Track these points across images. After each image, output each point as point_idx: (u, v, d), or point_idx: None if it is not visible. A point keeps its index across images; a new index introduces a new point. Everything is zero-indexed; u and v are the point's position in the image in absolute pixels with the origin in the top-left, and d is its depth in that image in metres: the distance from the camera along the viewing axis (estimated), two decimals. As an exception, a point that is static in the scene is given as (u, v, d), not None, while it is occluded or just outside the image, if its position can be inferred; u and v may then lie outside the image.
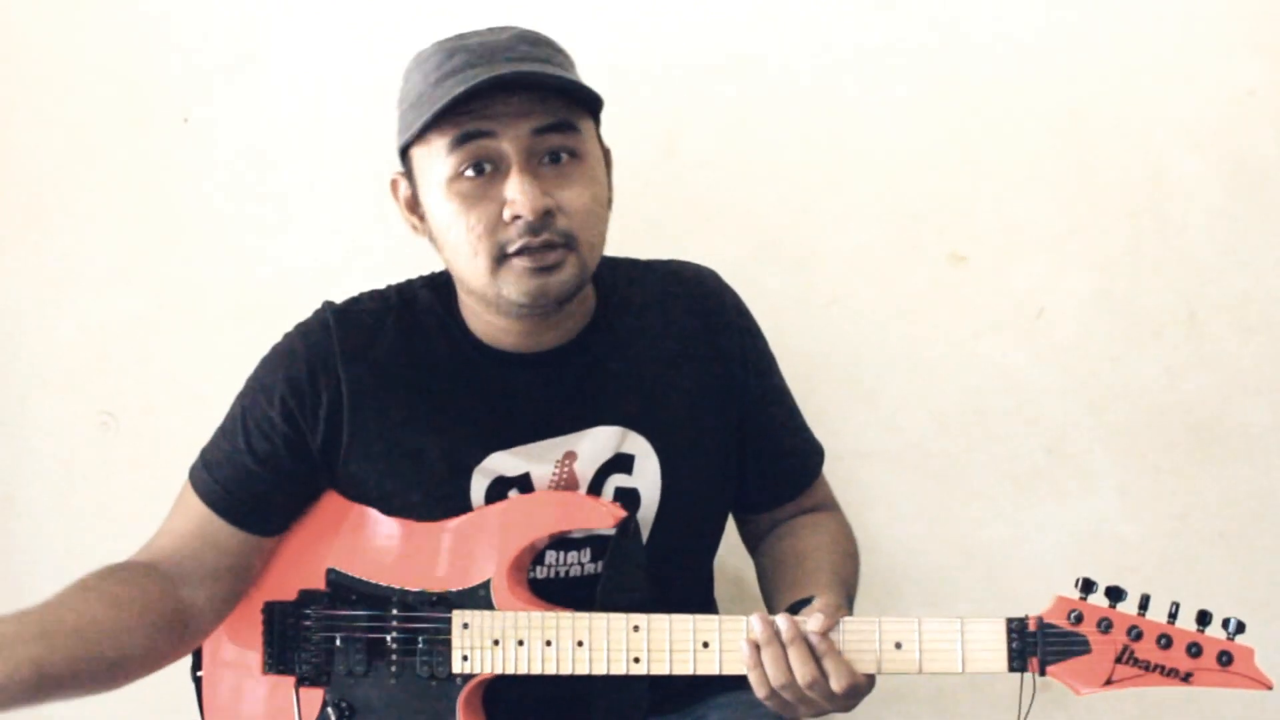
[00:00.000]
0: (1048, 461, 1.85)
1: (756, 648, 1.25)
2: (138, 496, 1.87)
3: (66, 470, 1.89)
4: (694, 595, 1.51)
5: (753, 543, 1.57)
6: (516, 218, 1.27)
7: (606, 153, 1.39)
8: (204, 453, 1.42)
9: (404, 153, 1.35)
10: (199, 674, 1.45)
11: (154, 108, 1.85)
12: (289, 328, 1.46)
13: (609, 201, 1.38)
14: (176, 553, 1.38)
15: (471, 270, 1.31)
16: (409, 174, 1.36)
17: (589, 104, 1.33)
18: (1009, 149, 1.82)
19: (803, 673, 1.23)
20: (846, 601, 1.36)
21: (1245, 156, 1.81)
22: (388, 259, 1.83)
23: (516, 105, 1.27)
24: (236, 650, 1.42)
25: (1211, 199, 1.81)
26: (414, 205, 1.38)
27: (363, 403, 1.37)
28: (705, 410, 1.45)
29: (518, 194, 1.27)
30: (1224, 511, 1.84)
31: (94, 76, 1.85)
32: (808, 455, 1.55)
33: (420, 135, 1.30)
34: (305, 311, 1.47)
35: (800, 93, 1.83)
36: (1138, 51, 1.81)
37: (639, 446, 1.41)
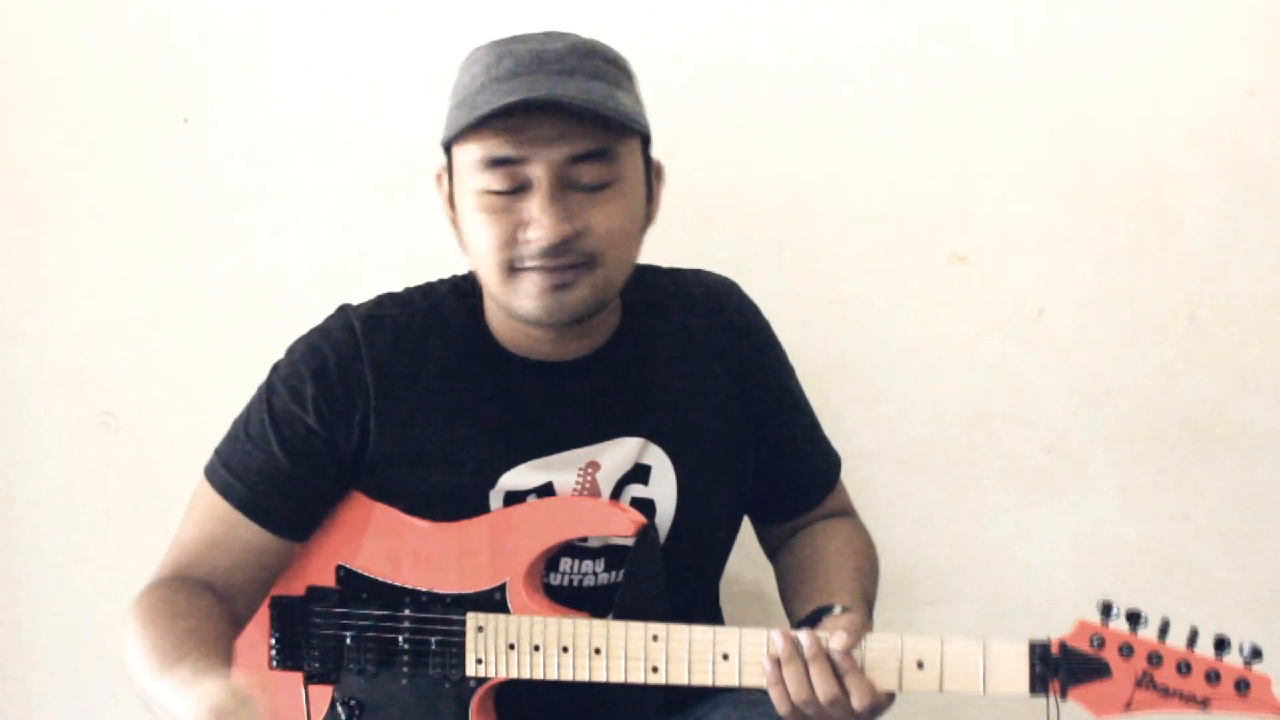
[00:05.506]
0: (1048, 461, 1.85)
1: (778, 663, 1.25)
2: (138, 496, 1.87)
3: (66, 470, 1.89)
4: (702, 606, 1.51)
5: (773, 551, 1.57)
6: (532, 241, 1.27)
7: (658, 168, 1.39)
8: (225, 459, 1.38)
9: (447, 149, 1.34)
10: None
11: (154, 108, 1.85)
12: (289, 328, 1.45)
13: (648, 218, 1.38)
14: (223, 569, 1.35)
15: (488, 278, 1.32)
16: (449, 169, 1.35)
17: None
18: (1009, 149, 1.82)
19: (824, 690, 1.23)
20: (865, 606, 1.36)
21: (1245, 156, 1.81)
22: (388, 259, 1.84)
23: (551, 129, 1.25)
24: (242, 645, 1.40)
25: (1211, 199, 1.81)
26: (452, 199, 1.38)
27: (387, 409, 1.36)
28: (723, 424, 1.45)
29: (540, 217, 1.25)
30: (1224, 511, 1.85)
31: (94, 76, 1.85)
32: (826, 464, 1.56)
33: (459, 138, 1.29)
34: (306, 312, 1.46)
35: (800, 93, 1.83)
36: (1137, 51, 1.81)
37: (656, 458, 1.41)
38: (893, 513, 1.85)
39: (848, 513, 1.58)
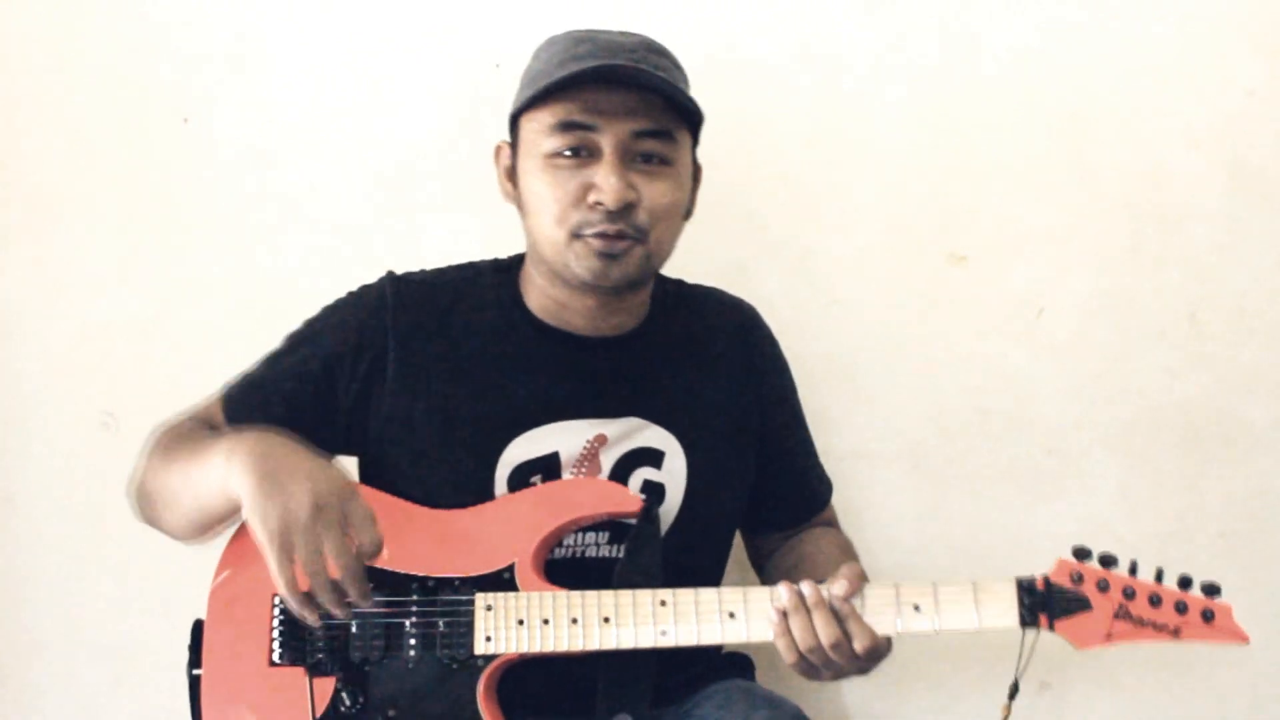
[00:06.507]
0: (1048, 461, 1.86)
1: (784, 615, 1.30)
2: (138, 496, 1.87)
3: (66, 470, 1.89)
4: None
5: (759, 561, 1.62)
6: (599, 203, 1.34)
7: (697, 169, 1.47)
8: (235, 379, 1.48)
9: (514, 122, 1.43)
10: (196, 672, 1.42)
11: (154, 108, 1.85)
12: (288, 328, 1.48)
13: (688, 213, 1.45)
14: None
15: (549, 237, 1.39)
16: (514, 142, 1.44)
17: (690, 119, 1.41)
18: (1009, 149, 1.83)
19: (826, 635, 1.28)
20: None
21: (1245, 156, 1.81)
22: (388, 259, 1.83)
23: (621, 103, 1.36)
24: (241, 644, 1.40)
25: (1211, 199, 1.81)
26: (511, 173, 1.45)
27: (407, 370, 1.42)
28: (728, 425, 1.51)
29: (605, 182, 1.35)
30: (1224, 511, 1.85)
31: (94, 77, 1.85)
32: (819, 487, 1.62)
33: (530, 109, 1.39)
34: (306, 312, 1.48)
35: (801, 92, 1.83)
36: (1137, 52, 1.81)
37: (669, 445, 1.47)
38: (891, 512, 1.85)
39: (834, 526, 1.64)
